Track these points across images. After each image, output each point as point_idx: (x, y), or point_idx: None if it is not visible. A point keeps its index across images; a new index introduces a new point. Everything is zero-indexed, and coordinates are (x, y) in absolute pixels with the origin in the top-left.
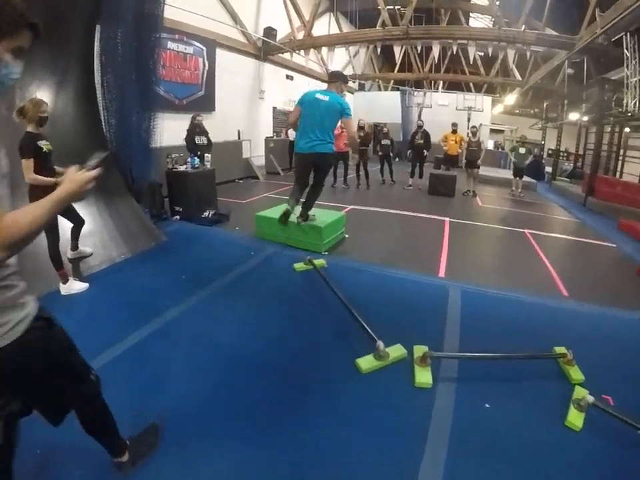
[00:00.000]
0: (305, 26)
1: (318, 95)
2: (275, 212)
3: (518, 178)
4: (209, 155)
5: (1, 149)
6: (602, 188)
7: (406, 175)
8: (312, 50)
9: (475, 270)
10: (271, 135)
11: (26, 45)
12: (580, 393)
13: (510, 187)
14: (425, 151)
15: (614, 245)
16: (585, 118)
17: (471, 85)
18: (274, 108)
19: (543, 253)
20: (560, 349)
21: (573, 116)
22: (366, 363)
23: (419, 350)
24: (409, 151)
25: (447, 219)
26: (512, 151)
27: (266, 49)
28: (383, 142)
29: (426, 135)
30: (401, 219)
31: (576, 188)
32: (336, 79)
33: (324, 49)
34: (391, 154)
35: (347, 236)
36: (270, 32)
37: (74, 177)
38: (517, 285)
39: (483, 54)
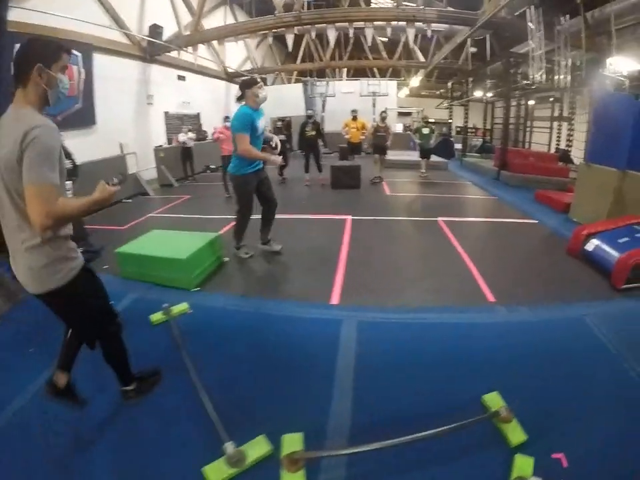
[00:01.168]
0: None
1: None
2: (142, 243)
3: (425, 159)
4: (70, 182)
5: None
6: (514, 160)
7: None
8: (204, 46)
9: (378, 285)
10: (163, 143)
11: (67, 63)
12: (521, 467)
13: (419, 169)
14: (319, 142)
15: (536, 221)
16: (490, 94)
17: (376, 70)
18: (166, 113)
19: (460, 247)
20: (491, 399)
21: (479, 93)
22: (215, 472)
23: (289, 443)
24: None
25: (349, 218)
26: (416, 133)
27: (152, 49)
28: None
29: (317, 126)
30: (296, 224)
31: (487, 163)
32: (241, 90)
33: (219, 45)
34: (288, 148)
35: (226, 259)
36: (155, 30)
37: (104, 188)
38: (430, 299)
39: (386, 39)
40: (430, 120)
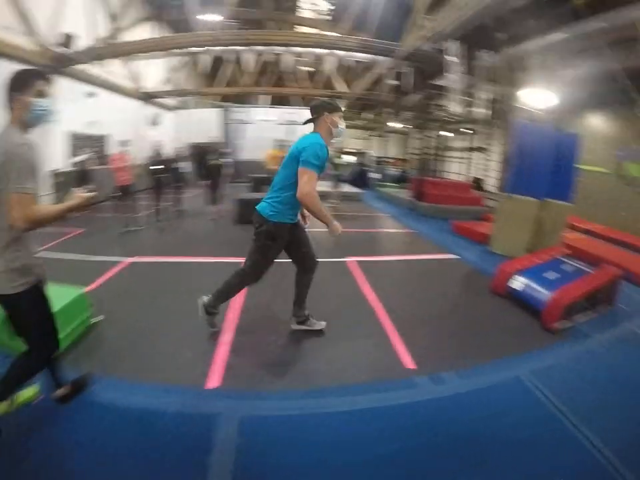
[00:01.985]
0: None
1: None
2: None
3: (335, 188)
4: None
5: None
6: (430, 191)
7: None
8: (121, 62)
9: (271, 357)
10: (64, 167)
11: (43, 88)
12: None
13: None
14: (220, 171)
15: (455, 256)
16: (409, 125)
17: (301, 99)
18: (70, 132)
19: (373, 294)
20: None
21: (398, 124)
22: None
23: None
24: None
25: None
26: (330, 162)
27: (60, 59)
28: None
29: (218, 154)
30: (183, 271)
31: (403, 193)
32: (317, 112)
33: (134, 61)
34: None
35: (101, 318)
36: (67, 39)
37: (80, 195)
38: (335, 373)
39: (313, 69)
40: (349, 150)
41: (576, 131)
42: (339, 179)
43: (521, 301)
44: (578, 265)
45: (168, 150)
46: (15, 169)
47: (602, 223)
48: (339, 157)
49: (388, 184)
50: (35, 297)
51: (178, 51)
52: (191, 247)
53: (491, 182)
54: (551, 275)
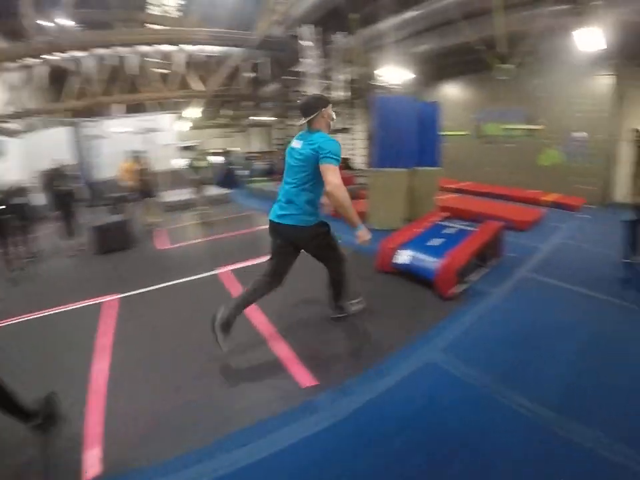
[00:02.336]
0: None
1: (293, 143)
2: None
3: (199, 194)
4: None
5: None
6: None
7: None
8: None
9: (149, 421)
10: None
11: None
12: None
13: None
14: (72, 198)
15: (339, 241)
16: (272, 116)
17: (158, 104)
18: None
19: (254, 305)
20: None
21: (260, 117)
22: None
23: None
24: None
25: (115, 297)
26: (191, 167)
27: None
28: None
29: (62, 177)
30: (50, 326)
31: (273, 186)
32: (315, 109)
33: None
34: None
35: None
36: None
37: None
38: (229, 422)
39: (166, 70)
40: (214, 150)
41: (435, 100)
42: (202, 183)
43: (410, 274)
44: (460, 226)
45: (15, 183)
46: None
47: (471, 180)
48: (200, 160)
49: (257, 179)
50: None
51: (12, 64)
52: (50, 295)
53: (359, 160)
54: (436, 242)
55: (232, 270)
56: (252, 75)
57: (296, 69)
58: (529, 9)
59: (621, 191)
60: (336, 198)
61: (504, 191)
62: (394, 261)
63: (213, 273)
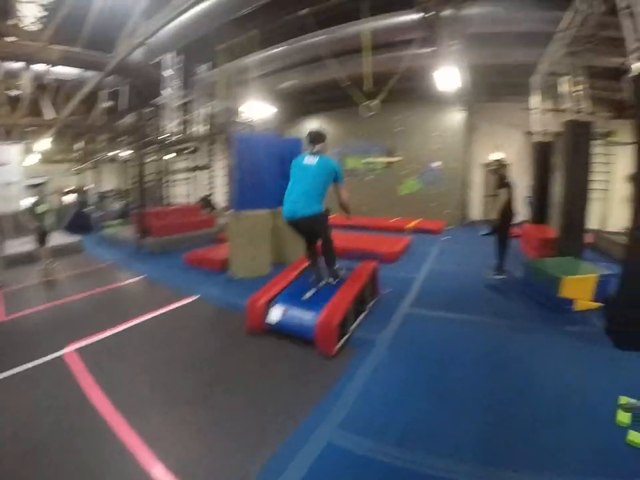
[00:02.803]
0: None
1: (305, 159)
2: None
3: (43, 246)
4: None
5: None
6: (155, 223)
7: None
8: None
9: None
10: None
11: None
12: None
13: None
14: None
15: (196, 296)
16: (130, 151)
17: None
18: None
19: (105, 398)
20: None
21: (117, 150)
22: None
23: None
24: None
25: None
26: (31, 214)
27: None
28: None
29: None
30: None
31: (129, 230)
32: (322, 138)
33: None
34: None
35: None
36: None
37: None
38: None
39: (17, 92)
40: (66, 190)
41: (299, 135)
42: (45, 232)
43: (286, 333)
44: None
45: None
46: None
47: (334, 214)
48: (41, 204)
49: (112, 222)
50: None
51: None
52: None
53: (220, 198)
54: (309, 293)
55: (79, 349)
56: (108, 104)
57: (155, 100)
58: (392, 50)
59: (475, 211)
60: (346, 205)
61: (369, 222)
62: (266, 320)
63: (56, 355)
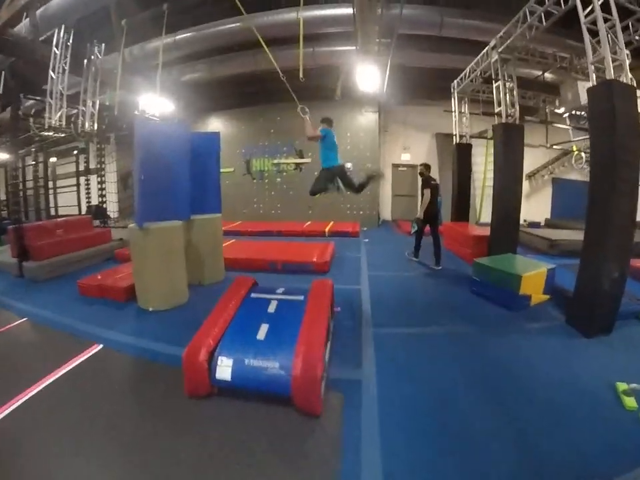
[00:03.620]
0: None
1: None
2: None
3: None
4: None
5: None
6: (37, 242)
7: None
8: None
9: None
10: None
11: None
12: None
13: None
14: None
15: (101, 345)
16: (4, 152)
17: None
18: None
19: None
20: None
21: None
22: None
23: None
24: None
25: None
26: None
27: None
28: None
29: None
30: None
31: (3, 252)
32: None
33: None
34: None
35: None
36: None
37: None
38: None
39: None
40: None
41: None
42: None
43: (244, 391)
44: (280, 296)
45: None
46: None
47: (242, 219)
48: None
49: None
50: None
51: None
52: None
53: (112, 207)
54: (264, 329)
55: None
56: None
57: (38, 88)
58: (312, 45)
59: (387, 211)
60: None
61: (282, 228)
62: (216, 376)
63: None
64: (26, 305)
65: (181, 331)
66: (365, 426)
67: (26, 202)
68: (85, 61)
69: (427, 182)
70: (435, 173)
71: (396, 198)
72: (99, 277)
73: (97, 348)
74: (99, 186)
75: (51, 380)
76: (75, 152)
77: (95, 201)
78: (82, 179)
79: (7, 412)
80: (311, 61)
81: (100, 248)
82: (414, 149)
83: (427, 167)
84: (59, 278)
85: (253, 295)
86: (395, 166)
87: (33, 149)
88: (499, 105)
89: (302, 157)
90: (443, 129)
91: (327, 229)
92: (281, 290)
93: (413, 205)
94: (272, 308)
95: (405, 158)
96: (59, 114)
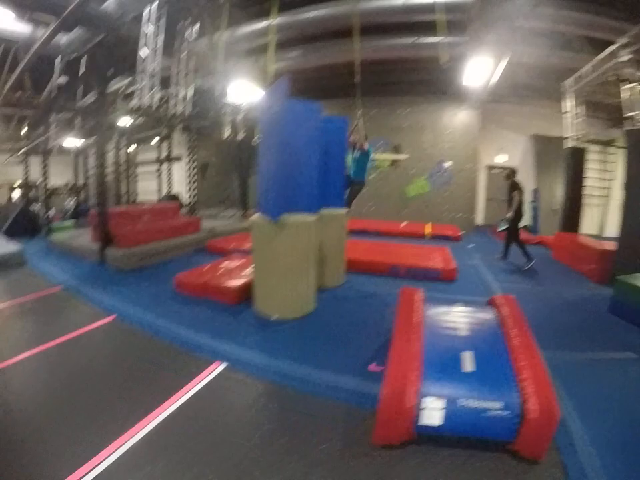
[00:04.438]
0: None
1: None
2: None
3: None
4: None
5: None
6: (123, 228)
7: None
8: None
9: None
10: None
11: None
12: None
13: None
14: None
15: (222, 365)
16: (86, 139)
17: None
18: None
19: None
20: None
21: (70, 137)
22: None
23: None
24: None
25: None
26: None
27: None
28: None
29: None
30: None
31: (84, 236)
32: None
33: None
34: None
35: None
36: None
37: None
38: None
39: None
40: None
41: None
42: None
43: (448, 436)
44: (465, 313)
45: None
46: None
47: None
48: None
49: (63, 224)
50: None
51: None
52: None
53: (186, 196)
54: (467, 358)
55: None
56: (63, 80)
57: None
58: (401, 36)
59: (481, 216)
60: None
61: (379, 227)
62: (420, 421)
63: None
64: (112, 297)
65: (324, 349)
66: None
67: (105, 187)
68: (176, 42)
69: (516, 185)
70: (530, 178)
71: (489, 202)
72: (200, 273)
73: (219, 367)
74: (188, 172)
75: (169, 411)
76: (158, 137)
77: (178, 188)
78: (163, 166)
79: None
80: (412, 52)
81: (189, 238)
82: (509, 150)
83: (513, 171)
84: (145, 269)
85: (429, 311)
86: (489, 168)
87: (115, 135)
88: (629, 109)
89: (398, 153)
90: (540, 131)
91: (427, 232)
92: (457, 305)
93: (505, 211)
94: (462, 330)
95: (500, 160)
96: (148, 95)
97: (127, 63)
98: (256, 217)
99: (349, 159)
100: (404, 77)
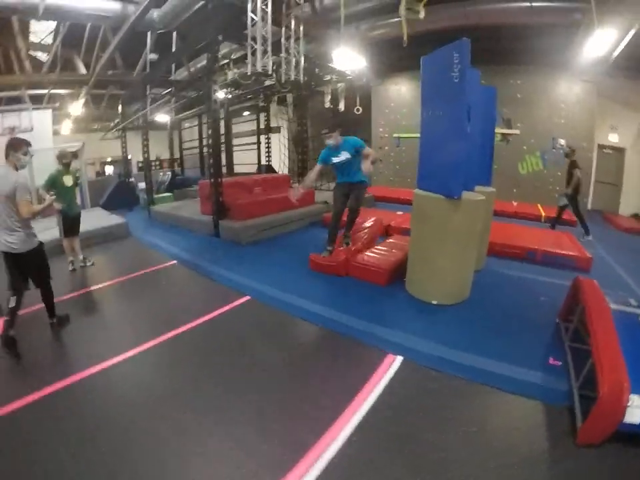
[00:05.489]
0: None
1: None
2: None
3: (72, 238)
4: None
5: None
6: (236, 200)
7: None
8: None
9: None
10: None
11: (27, 150)
12: None
13: (75, 254)
14: None
15: (399, 358)
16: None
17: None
18: None
19: None
20: None
21: (163, 115)
22: None
23: None
24: None
25: None
26: (51, 187)
27: None
28: None
29: None
30: None
31: (187, 207)
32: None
33: None
34: None
35: None
36: None
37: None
38: None
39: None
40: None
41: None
42: (72, 217)
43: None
44: None
45: None
46: (20, 189)
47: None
48: (65, 174)
49: (161, 195)
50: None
51: None
52: None
53: (281, 168)
54: None
55: None
56: (154, 57)
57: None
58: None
59: (593, 199)
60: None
61: (496, 206)
62: (625, 419)
63: None
64: (238, 272)
65: (491, 338)
66: None
67: (202, 159)
68: (284, 6)
69: (575, 164)
70: None
71: (597, 185)
72: (347, 252)
73: (397, 360)
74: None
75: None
76: (261, 104)
77: (276, 159)
78: (260, 138)
79: None
80: (526, 18)
81: (304, 211)
82: (622, 129)
83: (573, 150)
84: (261, 242)
85: (612, 306)
86: (601, 147)
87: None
88: None
89: (510, 127)
90: None
91: (543, 214)
92: (632, 300)
93: (617, 195)
94: None
95: (613, 139)
96: (262, 60)
97: (234, 29)
98: (421, 193)
99: None
100: (518, 45)
